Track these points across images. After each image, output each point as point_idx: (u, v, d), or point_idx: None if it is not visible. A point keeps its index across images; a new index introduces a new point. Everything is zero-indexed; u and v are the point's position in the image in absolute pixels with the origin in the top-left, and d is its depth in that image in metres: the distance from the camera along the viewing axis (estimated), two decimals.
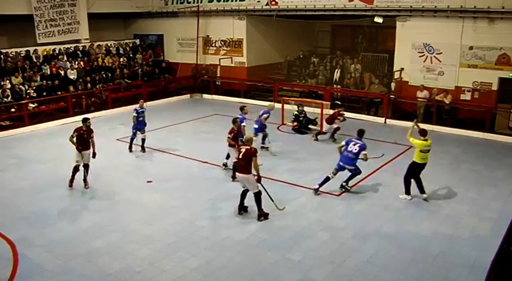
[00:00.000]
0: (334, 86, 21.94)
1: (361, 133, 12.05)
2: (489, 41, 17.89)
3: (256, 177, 10.40)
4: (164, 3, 27.16)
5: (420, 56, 19.60)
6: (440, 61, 19.17)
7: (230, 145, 12.99)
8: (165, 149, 15.72)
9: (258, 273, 8.60)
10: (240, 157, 10.49)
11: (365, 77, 21.48)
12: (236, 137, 12.90)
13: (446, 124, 18.07)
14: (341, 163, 11.93)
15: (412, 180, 11.63)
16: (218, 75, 25.64)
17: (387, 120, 19.45)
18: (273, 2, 23.05)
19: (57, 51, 23.13)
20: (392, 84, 20.26)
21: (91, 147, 12.41)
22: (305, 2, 22.03)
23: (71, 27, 24.07)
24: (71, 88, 20.92)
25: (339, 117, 16.95)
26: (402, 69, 20.09)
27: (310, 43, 27.11)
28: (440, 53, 19.10)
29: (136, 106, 15.69)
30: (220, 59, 25.40)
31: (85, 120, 12.40)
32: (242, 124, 13.47)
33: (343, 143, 12.03)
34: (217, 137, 17.19)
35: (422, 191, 11.63)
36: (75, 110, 20.33)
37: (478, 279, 7.11)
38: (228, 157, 13.74)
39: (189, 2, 25.91)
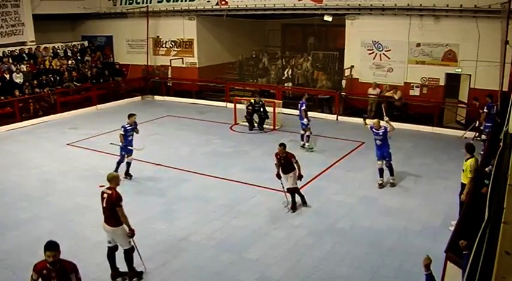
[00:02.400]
0: (286, 84, 22.05)
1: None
2: (435, 38, 18.36)
3: (128, 231, 8.06)
4: (112, 3, 26.65)
5: (370, 54, 19.93)
6: (389, 58, 19.54)
7: (278, 176, 11.16)
8: (116, 153, 15.35)
9: (215, 274, 8.54)
10: (104, 205, 8.04)
11: (318, 74, 21.61)
12: (287, 164, 10.98)
13: (397, 120, 18.37)
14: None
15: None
16: (169, 76, 25.36)
17: (339, 117, 19.67)
18: (223, 2, 22.96)
19: (0, 54, 22.33)
20: (343, 82, 20.50)
21: None
22: (255, 1, 22.04)
23: (15, 29, 23.32)
24: (17, 92, 20.17)
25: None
26: (352, 66, 20.38)
27: (261, 42, 27.15)
28: (389, 50, 19.47)
29: (125, 123, 13.10)
30: (171, 59, 25.11)
31: (49, 247, 6.37)
32: (302, 108, 15.33)
33: None
34: (169, 139, 17.06)
35: None
36: (23, 115, 19.73)
37: (432, 269, 7.23)
38: (302, 137, 15.63)
39: (138, 3, 25.52)
